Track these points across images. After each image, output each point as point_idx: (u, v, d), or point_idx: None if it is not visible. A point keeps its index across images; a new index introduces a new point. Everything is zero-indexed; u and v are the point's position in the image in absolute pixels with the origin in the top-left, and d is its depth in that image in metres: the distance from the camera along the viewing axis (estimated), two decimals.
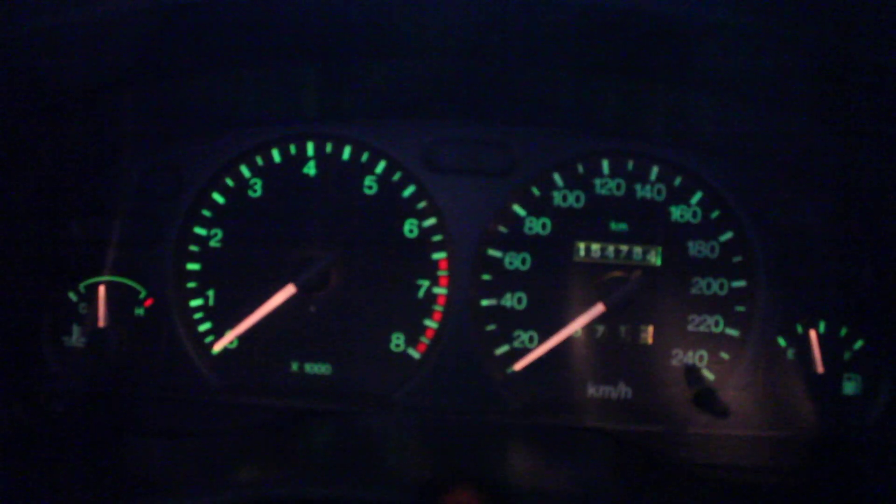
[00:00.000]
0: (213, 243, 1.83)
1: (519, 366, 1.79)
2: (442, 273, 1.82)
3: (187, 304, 1.82)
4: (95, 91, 1.58)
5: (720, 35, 1.34)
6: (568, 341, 1.79)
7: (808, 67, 1.39)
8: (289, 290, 1.76)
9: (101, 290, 1.79)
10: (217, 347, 1.80)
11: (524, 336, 1.82)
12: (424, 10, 1.36)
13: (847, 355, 1.78)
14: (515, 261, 1.82)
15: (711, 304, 1.81)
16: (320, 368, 1.83)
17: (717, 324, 1.81)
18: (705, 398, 1.71)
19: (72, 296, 1.81)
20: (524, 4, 1.29)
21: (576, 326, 1.77)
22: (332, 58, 1.57)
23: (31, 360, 1.80)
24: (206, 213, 1.83)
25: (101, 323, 1.78)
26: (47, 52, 1.38)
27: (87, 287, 1.81)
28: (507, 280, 1.82)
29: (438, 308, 1.82)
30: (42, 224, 1.79)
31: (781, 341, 1.79)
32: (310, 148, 1.83)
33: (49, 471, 1.49)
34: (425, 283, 1.82)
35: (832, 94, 1.49)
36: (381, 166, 1.82)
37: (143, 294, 1.81)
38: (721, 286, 1.81)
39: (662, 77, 1.57)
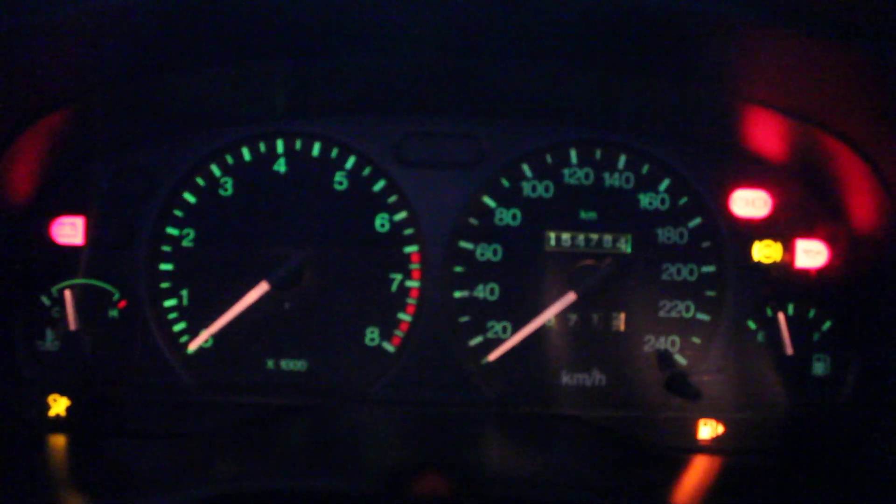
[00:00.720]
0: (185, 243, 1.83)
1: (493, 356, 1.80)
2: (414, 266, 1.83)
3: (161, 305, 1.82)
4: (65, 93, 1.57)
5: (689, 24, 1.35)
6: (541, 330, 1.80)
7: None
8: (262, 288, 1.76)
9: (68, 294, 1.78)
10: (192, 347, 1.80)
11: (498, 326, 1.83)
12: (392, 6, 1.36)
13: (816, 336, 1.81)
14: (487, 252, 1.83)
15: (682, 290, 1.83)
16: (296, 365, 1.83)
17: (687, 309, 1.83)
18: (677, 382, 1.73)
19: (44, 299, 1.81)
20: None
21: (548, 315, 1.78)
22: (300, 55, 1.57)
23: (4, 365, 1.79)
24: (178, 213, 1.83)
25: (72, 326, 1.77)
26: (16, 54, 1.38)
27: (59, 290, 1.81)
28: (479, 272, 1.83)
29: (412, 301, 1.83)
30: (13, 227, 1.78)
31: (751, 324, 1.82)
32: (279, 145, 1.83)
33: (25, 474, 1.49)
34: (398, 277, 1.83)
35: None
36: (350, 161, 1.83)
37: (116, 296, 1.81)
38: (691, 272, 1.83)
39: (629, 67, 1.59)
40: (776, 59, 1.43)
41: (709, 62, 1.52)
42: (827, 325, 1.81)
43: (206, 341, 1.82)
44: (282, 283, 1.78)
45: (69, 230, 1.81)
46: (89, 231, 1.81)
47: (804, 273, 1.82)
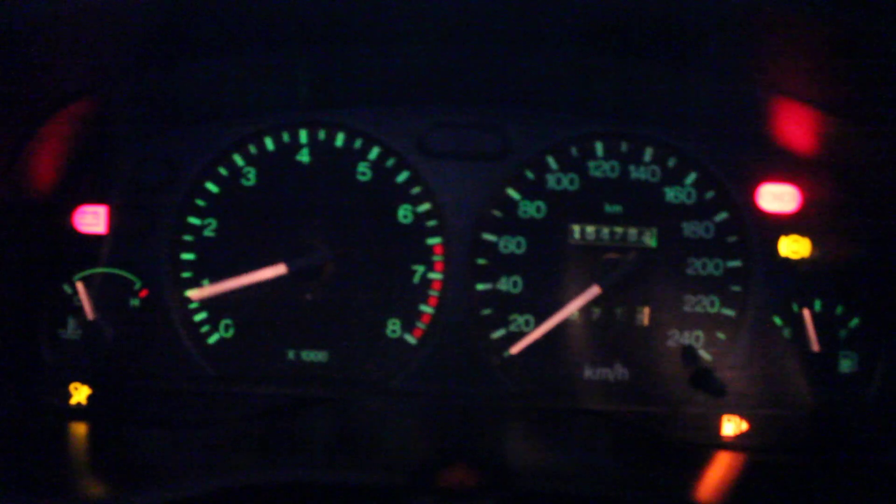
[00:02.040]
0: (207, 233, 1.82)
1: (515, 349, 1.78)
2: (437, 258, 1.82)
3: (182, 295, 1.82)
4: (87, 82, 1.57)
5: (717, 17, 1.34)
6: (564, 324, 1.79)
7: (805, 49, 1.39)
8: (279, 269, 1.75)
9: (80, 286, 1.79)
10: (194, 296, 1.79)
11: (520, 320, 1.82)
12: None
13: (843, 333, 1.79)
14: (510, 244, 1.82)
15: (707, 285, 1.81)
16: (317, 356, 1.83)
17: (712, 304, 1.81)
18: (702, 378, 1.71)
19: (66, 288, 1.81)
20: None
21: (572, 309, 1.76)
22: (324, 44, 1.56)
23: (27, 353, 1.80)
24: (200, 202, 1.82)
25: (90, 316, 1.77)
26: (38, 45, 1.37)
27: (82, 279, 1.81)
28: (502, 264, 1.82)
29: (434, 293, 1.82)
30: (36, 216, 1.78)
31: (777, 320, 1.80)
32: (303, 135, 1.82)
33: (47, 462, 1.49)
34: (420, 269, 1.82)
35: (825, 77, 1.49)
36: (374, 152, 1.82)
37: (138, 285, 1.81)
38: (716, 266, 1.81)
39: (657, 58, 1.57)
40: (805, 49, 1.41)
41: (736, 53, 1.50)
42: (854, 321, 1.78)
43: (227, 331, 1.81)
44: (301, 271, 1.77)
45: (91, 219, 1.81)
46: (111, 220, 1.81)
47: (832, 269, 1.79)
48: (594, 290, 1.75)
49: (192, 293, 1.78)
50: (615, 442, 1.63)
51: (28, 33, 1.32)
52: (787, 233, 1.80)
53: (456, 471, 1.21)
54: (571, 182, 1.81)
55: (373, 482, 1.23)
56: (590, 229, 1.81)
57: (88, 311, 1.78)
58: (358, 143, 1.82)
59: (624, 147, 1.82)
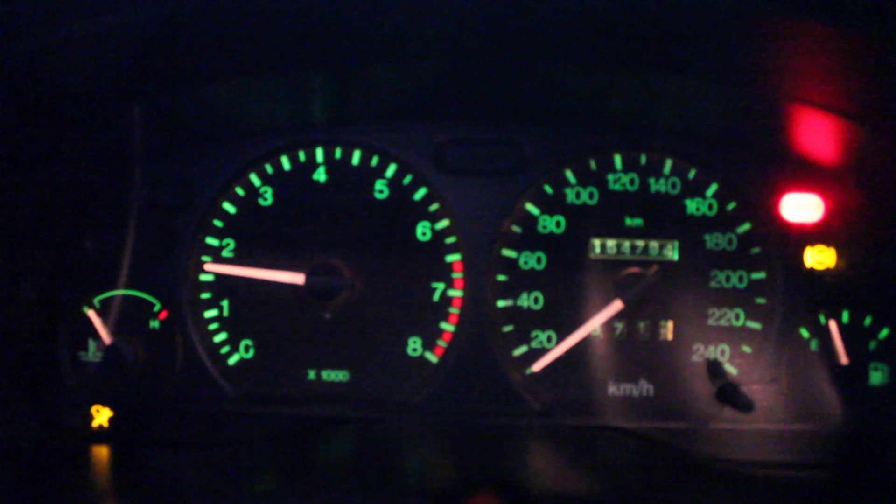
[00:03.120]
0: (225, 253, 1.82)
1: (538, 366, 1.77)
2: (457, 275, 1.80)
3: (202, 316, 1.82)
4: (104, 104, 1.57)
5: (731, 24, 1.31)
6: (587, 340, 1.77)
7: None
8: (297, 278, 1.75)
9: (92, 314, 1.79)
10: (208, 267, 1.80)
11: (542, 336, 1.80)
12: (430, 11, 1.34)
13: (873, 345, 1.75)
14: (530, 260, 1.80)
15: (731, 297, 1.78)
16: (337, 375, 1.82)
17: (737, 317, 1.78)
18: (728, 393, 1.68)
19: (86, 310, 1.81)
20: (529, 1, 1.27)
21: (594, 325, 1.75)
22: (338, 62, 1.55)
23: (48, 376, 1.80)
24: (218, 223, 1.82)
25: (107, 341, 1.77)
26: (56, 66, 1.38)
27: (101, 301, 1.81)
28: (522, 280, 1.80)
29: (454, 311, 1.80)
30: (56, 239, 1.79)
31: (804, 332, 1.76)
32: (319, 154, 1.82)
33: (69, 485, 1.49)
34: (440, 286, 1.80)
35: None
36: (391, 170, 1.81)
37: (157, 307, 1.81)
38: (740, 279, 1.78)
39: (672, 68, 1.54)
40: (826, 57, 1.38)
41: (756, 61, 1.47)
42: (884, 332, 1.75)
43: (248, 352, 1.81)
44: (318, 289, 1.76)
45: (109, 241, 1.81)
46: (130, 242, 1.81)
47: (859, 279, 1.76)
48: (616, 305, 1.73)
49: (209, 266, 1.80)
50: (641, 460, 1.61)
51: (45, 55, 1.32)
52: (811, 243, 1.77)
53: (480, 496, 1.19)
54: (591, 196, 1.79)
55: None
56: (610, 243, 1.78)
57: (105, 336, 1.78)
58: (374, 161, 1.81)
59: (643, 159, 1.79)
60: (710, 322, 1.78)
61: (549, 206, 1.80)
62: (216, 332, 1.82)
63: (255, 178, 1.82)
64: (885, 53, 1.31)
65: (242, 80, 1.61)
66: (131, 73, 1.50)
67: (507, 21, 1.37)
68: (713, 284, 1.78)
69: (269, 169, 1.82)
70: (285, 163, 1.82)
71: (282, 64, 1.54)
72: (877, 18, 1.22)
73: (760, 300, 1.78)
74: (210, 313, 1.82)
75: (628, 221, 1.79)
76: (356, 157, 1.81)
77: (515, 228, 1.80)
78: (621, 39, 1.43)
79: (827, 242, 1.77)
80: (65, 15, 1.25)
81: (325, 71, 1.59)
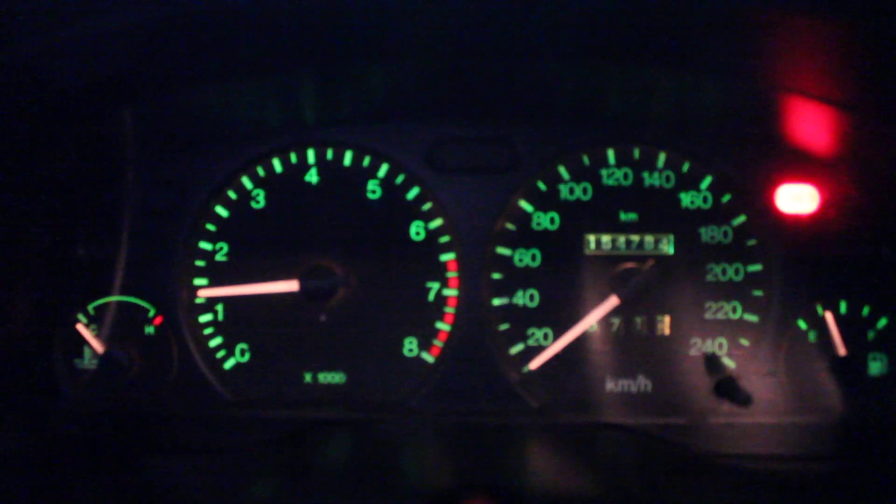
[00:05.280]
0: (219, 257, 1.81)
1: (535, 364, 1.76)
2: (451, 274, 1.79)
3: (197, 321, 1.81)
4: (95, 108, 1.56)
5: (723, 15, 1.30)
6: (583, 337, 1.76)
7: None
8: (291, 285, 1.74)
9: (81, 327, 1.79)
10: (203, 293, 1.79)
11: (538, 334, 1.79)
12: (419, 9, 1.33)
13: (871, 335, 1.74)
14: (525, 258, 1.79)
15: (728, 291, 1.77)
16: (334, 378, 1.81)
17: (734, 310, 1.77)
18: (727, 387, 1.68)
19: (81, 317, 1.80)
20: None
21: (591, 321, 1.74)
22: (328, 63, 1.54)
23: (43, 382, 1.79)
24: (210, 227, 1.81)
25: (99, 350, 1.77)
26: (46, 69, 1.36)
27: (95, 308, 1.80)
28: (517, 278, 1.79)
29: (450, 310, 1.79)
30: (49, 246, 1.78)
31: (802, 324, 1.75)
32: (310, 155, 1.81)
33: (64, 492, 1.49)
34: (435, 286, 1.79)
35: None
36: (383, 170, 1.80)
37: (152, 312, 1.80)
38: (737, 271, 1.77)
39: (665, 61, 1.53)
40: (819, 46, 1.37)
41: (749, 52, 1.46)
42: (882, 322, 1.74)
43: (243, 356, 1.80)
44: (315, 293, 1.75)
45: (102, 247, 1.80)
46: (123, 247, 1.80)
47: (856, 269, 1.75)
48: (613, 301, 1.72)
49: (204, 292, 1.79)
50: (640, 457, 1.60)
51: (38, 57, 1.31)
52: (807, 234, 1.76)
53: (476, 498, 1.18)
54: (584, 191, 1.78)
55: None
56: (605, 239, 1.77)
57: (96, 345, 1.77)
58: (366, 161, 1.80)
59: (636, 153, 1.78)
60: (707, 316, 1.77)
61: (542, 203, 1.79)
62: (211, 336, 1.81)
63: (246, 181, 1.81)
64: (878, 42, 1.30)
65: (233, 83, 1.59)
66: (122, 76, 1.49)
67: (498, 17, 1.36)
68: (709, 278, 1.77)
69: (260, 172, 1.81)
70: (277, 165, 1.81)
71: (272, 66, 1.53)
72: (870, 8, 1.21)
73: (757, 292, 1.77)
74: (205, 318, 1.81)
75: (623, 216, 1.78)
76: (348, 158, 1.80)
77: (509, 226, 1.79)
78: (613, 32, 1.42)
79: (823, 233, 1.75)
80: (55, 18, 1.25)
81: (315, 72, 1.58)
